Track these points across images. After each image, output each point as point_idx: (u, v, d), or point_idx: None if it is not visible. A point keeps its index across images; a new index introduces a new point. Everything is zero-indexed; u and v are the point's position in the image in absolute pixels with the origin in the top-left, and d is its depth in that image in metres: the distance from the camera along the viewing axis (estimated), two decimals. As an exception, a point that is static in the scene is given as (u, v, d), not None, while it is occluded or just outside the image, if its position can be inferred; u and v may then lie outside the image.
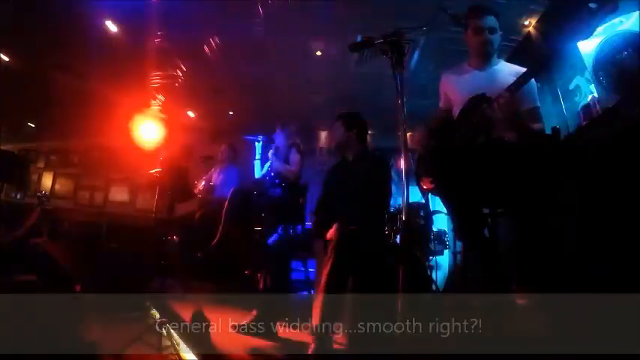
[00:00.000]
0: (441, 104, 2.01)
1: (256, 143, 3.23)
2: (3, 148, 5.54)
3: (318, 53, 4.20)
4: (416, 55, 4.04)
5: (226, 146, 3.95)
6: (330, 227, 2.14)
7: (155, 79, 4.82)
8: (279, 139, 3.05)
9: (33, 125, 6.87)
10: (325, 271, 1.67)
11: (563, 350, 1.31)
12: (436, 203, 3.45)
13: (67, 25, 3.72)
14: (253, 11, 3.51)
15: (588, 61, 2.59)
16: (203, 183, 3.78)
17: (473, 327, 1.78)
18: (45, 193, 3.82)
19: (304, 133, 6.23)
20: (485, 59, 1.81)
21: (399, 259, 1.19)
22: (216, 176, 3.84)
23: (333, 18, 3.57)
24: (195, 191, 3.75)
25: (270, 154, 2.98)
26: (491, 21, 1.74)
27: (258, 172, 3.19)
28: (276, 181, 2.84)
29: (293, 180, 2.81)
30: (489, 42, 1.75)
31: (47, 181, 7.45)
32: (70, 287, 2.46)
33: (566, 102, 2.86)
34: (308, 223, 2.82)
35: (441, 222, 4.21)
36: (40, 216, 3.56)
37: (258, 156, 3.21)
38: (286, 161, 2.90)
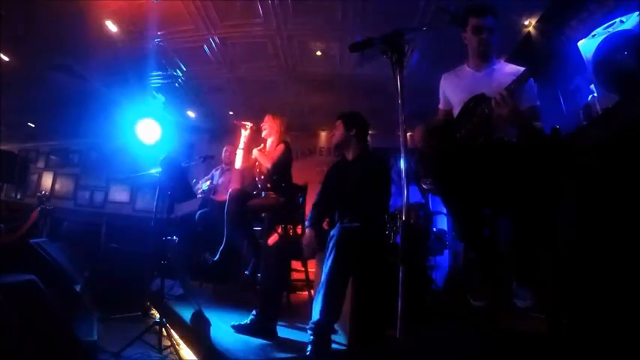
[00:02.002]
0: (441, 105, 2.01)
1: (243, 131, 3.01)
2: (3, 148, 5.55)
3: (318, 53, 4.20)
4: (416, 55, 4.04)
5: (231, 147, 3.94)
6: (323, 222, 2.16)
7: (155, 79, 4.82)
8: (268, 129, 2.91)
9: (33, 125, 6.88)
10: (326, 268, 1.67)
11: (562, 349, 1.31)
12: (436, 203, 3.45)
13: (67, 25, 3.72)
14: (253, 11, 3.52)
15: (588, 61, 2.59)
16: (208, 182, 3.78)
17: (473, 326, 1.78)
18: (45, 193, 3.83)
19: (304, 133, 6.27)
20: (483, 59, 1.81)
21: (399, 258, 1.19)
22: (218, 177, 3.84)
23: (333, 18, 3.57)
24: (198, 191, 3.75)
25: (255, 152, 2.85)
26: (490, 20, 1.74)
27: (238, 163, 3.02)
28: (268, 185, 2.82)
29: (271, 170, 2.72)
30: (488, 42, 1.75)
31: (47, 181, 7.46)
32: (70, 287, 2.46)
33: (566, 102, 2.86)
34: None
35: (441, 222, 4.21)
36: (40, 216, 3.57)
37: (242, 145, 2.98)
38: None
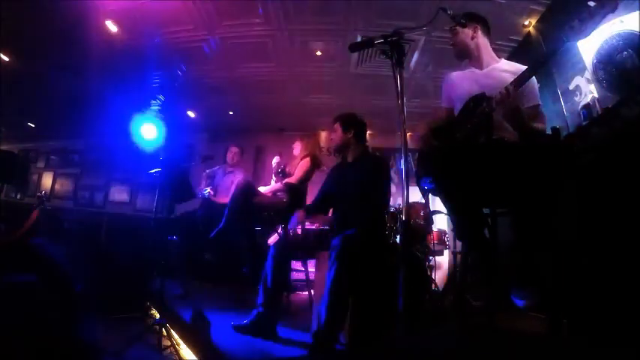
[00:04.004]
0: (444, 104, 2.02)
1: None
2: (3, 148, 5.55)
3: (318, 53, 4.20)
4: (416, 55, 4.04)
5: (237, 149, 3.95)
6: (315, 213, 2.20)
7: (155, 79, 4.82)
8: (296, 151, 3.15)
9: (33, 125, 6.87)
10: (328, 278, 1.67)
11: (562, 349, 1.30)
12: (436, 203, 3.44)
13: (67, 25, 3.72)
14: (253, 11, 3.51)
15: (588, 61, 2.59)
16: (208, 189, 3.77)
17: (473, 326, 1.78)
18: (45, 193, 3.83)
19: (304, 133, 6.26)
20: (459, 57, 1.86)
21: (399, 259, 1.19)
22: (222, 178, 3.83)
23: (334, 18, 3.57)
24: (205, 193, 3.76)
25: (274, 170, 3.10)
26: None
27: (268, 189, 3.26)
28: (279, 194, 2.90)
29: (290, 190, 2.86)
30: (452, 42, 1.86)
31: (47, 181, 7.46)
32: (70, 287, 2.46)
33: (566, 102, 2.87)
34: (308, 224, 2.82)
35: (441, 222, 4.21)
36: (40, 216, 3.56)
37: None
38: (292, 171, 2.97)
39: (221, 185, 3.73)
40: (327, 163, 2.88)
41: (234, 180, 3.70)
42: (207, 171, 4.00)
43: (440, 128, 1.89)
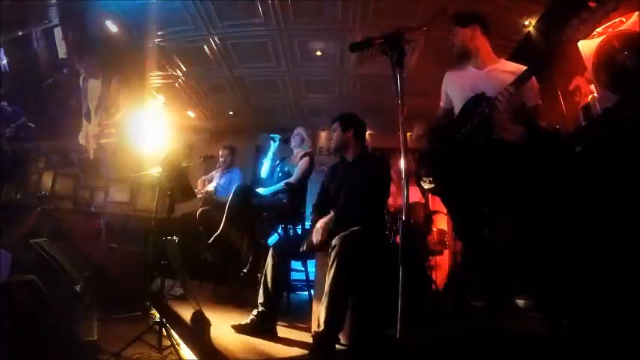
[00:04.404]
0: (442, 103, 2.02)
1: (272, 142, 3.25)
2: (3, 148, 5.55)
3: (318, 53, 4.20)
4: (416, 55, 4.04)
5: (228, 149, 3.96)
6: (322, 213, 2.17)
7: (155, 79, 4.82)
8: (297, 142, 3.13)
9: (33, 125, 6.86)
10: (328, 278, 1.67)
11: (561, 350, 1.31)
12: (436, 203, 3.45)
13: (67, 25, 3.72)
14: (253, 11, 3.51)
15: (588, 61, 2.59)
16: (212, 185, 3.77)
17: (473, 326, 1.78)
18: (45, 193, 3.82)
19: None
20: (458, 60, 1.87)
21: (399, 259, 1.19)
22: (219, 178, 3.84)
23: (333, 18, 3.57)
24: (202, 192, 3.75)
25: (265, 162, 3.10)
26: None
27: (265, 173, 3.22)
28: (280, 195, 2.90)
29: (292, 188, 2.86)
30: (451, 44, 1.88)
31: (47, 181, 7.44)
32: (70, 287, 2.46)
33: (566, 102, 2.87)
34: (307, 224, 2.82)
35: (441, 222, 4.21)
36: (40, 216, 3.56)
37: (271, 155, 3.23)
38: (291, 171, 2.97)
39: (221, 186, 3.74)
40: (326, 162, 2.87)
41: (232, 180, 3.71)
42: (204, 177, 4.00)
43: (439, 128, 1.90)
